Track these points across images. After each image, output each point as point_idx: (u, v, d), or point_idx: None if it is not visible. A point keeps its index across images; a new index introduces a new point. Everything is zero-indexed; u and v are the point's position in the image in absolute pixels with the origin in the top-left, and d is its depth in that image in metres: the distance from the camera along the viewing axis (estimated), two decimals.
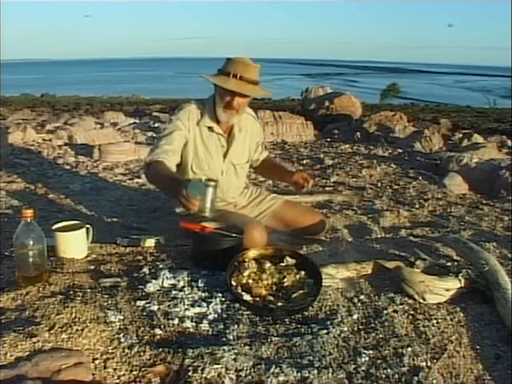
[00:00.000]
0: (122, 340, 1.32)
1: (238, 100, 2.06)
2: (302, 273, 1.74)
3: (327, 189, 3.74)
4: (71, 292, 1.55)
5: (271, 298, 1.60)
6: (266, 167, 2.50)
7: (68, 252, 1.87)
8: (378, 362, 1.29)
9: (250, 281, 1.69)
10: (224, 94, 2.06)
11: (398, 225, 2.77)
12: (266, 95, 2.19)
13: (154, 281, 1.65)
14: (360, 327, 1.47)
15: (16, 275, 1.64)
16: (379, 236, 2.51)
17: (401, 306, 1.60)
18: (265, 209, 2.38)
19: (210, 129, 2.17)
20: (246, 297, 1.57)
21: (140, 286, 1.63)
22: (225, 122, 2.16)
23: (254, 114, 2.39)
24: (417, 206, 3.25)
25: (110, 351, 1.27)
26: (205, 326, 1.43)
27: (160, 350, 1.28)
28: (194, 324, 1.43)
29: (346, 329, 1.45)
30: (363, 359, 1.30)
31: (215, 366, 1.20)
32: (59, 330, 1.30)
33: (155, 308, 1.49)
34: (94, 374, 1.17)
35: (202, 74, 2.13)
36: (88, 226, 1.94)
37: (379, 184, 4.00)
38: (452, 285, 1.70)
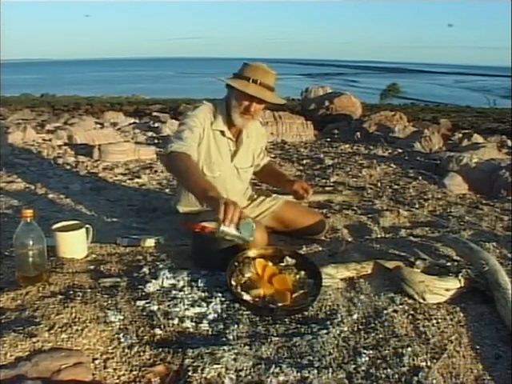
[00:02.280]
0: (122, 340, 1.32)
1: (255, 106, 2.06)
2: (302, 273, 1.74)
3: (327, 189, 3.74)
4: (71, 292, 1.55)
5: (271, 297, 1.60)
6: (266, 173, 2.50)
7: (68, 252, 1.87)
8: (378, 361, 1.29)
9: (250, 281, 1.69)
10: (242, 98, 2.05)
11: (398, 225, 2.77)
12: (282, 102, 2.19)
13: (153, 281, 1.65)
14: (360, 327, 1.47)
15: (16, 275, 1.63)
16: (379, 236, 2.51)
17: (401, 306, 1.60)
18: (265, 209, 2.39)
19: (222, 133, 2.17)
20: (246, 297, 1.57)
21: (140, 286, 1.63)
22: (240, 126, 2.16)
23: (259, 118, 2.40)
24: (417, 206, 3.25)
25: (109, 351, 1.27)
26: (205, 325, 1.43)
27: (160, 349, 1.28)
28: (193, 324, 1.43)
29: (345, 329, 1.45)
30: (363, 359, 1.30)
31: (215, 366, 1.20)
32: (59, 329, 1.30)
33: (155, 308, 1.49)
34: (93, 374, 1.17)
35: (220, 77, 2.11)
36: (88, 225, 1.94)
37: (379, 184, 4.00)
38: (452, 285, 1.70)
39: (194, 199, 2.09)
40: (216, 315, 1.49)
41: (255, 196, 2.45)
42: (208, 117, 2.14)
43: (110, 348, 1.28)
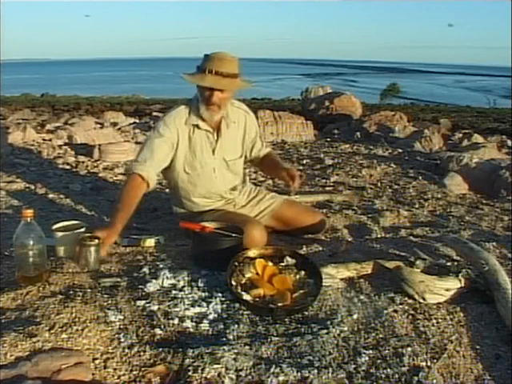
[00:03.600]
0: (122, 340, 1.32)
1: (217, 95, 2.06)
2: (302, 273, 1.74)
3: (327, 189, 3.74)
4: (71, 292, 1.55)
5: (271, 297, 1.60)
6: (265, 163, 2.47)
7: (68, 252, 1.87)
8: (378, 361, 1.29)
9: (250, 281, 1.69)
10: (203, 90, 2.07)
11: (398, 225, 2.77)
12: (246, 87, 2.19)
13: (154, 281, 1.65)
14: (360, 327, 1.47)
15: (16, 275, 1.64)
16: (379, 236, 2.51)
17: (401, 306, 1.60)
18: (264, 208, 2.38)
19: (197, 126, 2.17)
20: (246, 297, 1.57)
21: (140, 286, 1.63)
22: (208, 119, 2.15)
23: (245, 107, 2.36)
24: (417, 206, 3.25)
25: (110, 351, 1.27)
26: (205, 325, 1.43)
27: (160, 349, 1.28)
28: (193, 324, 1.43)
29: (346, 329, 1.45)
30: (363, 359, 1.30)
31: (215, 366, 1.20)
32: (59, 329, 1.30)
33: (155, 308, 1.49)
34: (93, 374, 1.18)
35: (181, 73, 2.13)
36: (88, 225, 1.94)
37: (379, 184, 4.00)
38: (452, 285, 1.70)
39: (188, 203, 2.26)
40: (216, 315, 1.49)
41: (254, 194, 2.43)
42: (180, 116, 2.16)
43: (110, 348, 1.28)
